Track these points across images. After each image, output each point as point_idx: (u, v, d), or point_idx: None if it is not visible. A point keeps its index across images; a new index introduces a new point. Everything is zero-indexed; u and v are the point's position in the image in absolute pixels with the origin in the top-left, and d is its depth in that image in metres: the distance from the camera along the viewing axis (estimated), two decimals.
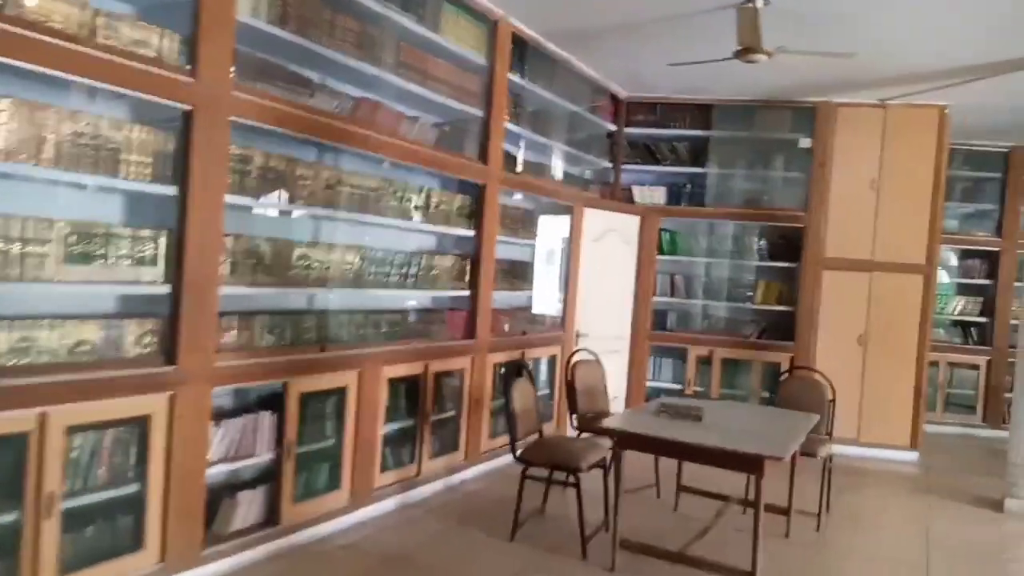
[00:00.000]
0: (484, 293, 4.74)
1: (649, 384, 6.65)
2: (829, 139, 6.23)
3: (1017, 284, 7.43)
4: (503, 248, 5.12)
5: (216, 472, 3.16)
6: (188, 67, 2.83)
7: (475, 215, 4.67)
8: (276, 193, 3.36)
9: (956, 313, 7.77)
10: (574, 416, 4.65)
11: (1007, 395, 7.50)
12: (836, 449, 5.52)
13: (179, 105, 2.81)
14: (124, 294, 2.86)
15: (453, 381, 4.56)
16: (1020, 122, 6.46)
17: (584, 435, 4.47)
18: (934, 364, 7.53)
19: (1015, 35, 4.55)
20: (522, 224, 5.42)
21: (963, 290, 7.81)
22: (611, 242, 6.27)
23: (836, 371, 6.06)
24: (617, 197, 6.61)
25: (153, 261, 2.85)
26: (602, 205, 6.21)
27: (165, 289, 2.87)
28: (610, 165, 6.60)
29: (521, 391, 3.90)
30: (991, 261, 7.62)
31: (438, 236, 4.68)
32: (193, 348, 2.90)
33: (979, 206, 7.69)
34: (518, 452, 3.77)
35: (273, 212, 3.50)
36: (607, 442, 3.84)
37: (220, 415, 3.19)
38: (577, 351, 5.07)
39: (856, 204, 6.22)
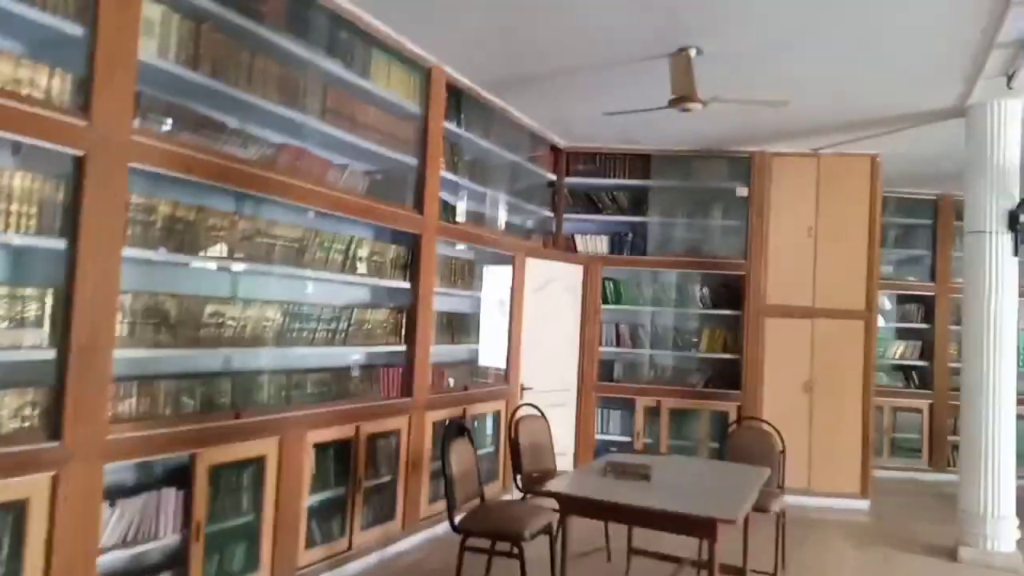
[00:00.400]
0: (421, 348, 4.50)
1: (597, 437, 6.44)
2: (765, 188, 6.29)
3: (953, 327, 7.58)
4: (444, 300, 4.92)
5: (111, 560, 2.79)
6: (81, 110, 2.59)
7: (411, 266, 4.47)
8: (184, 246, 3.10)
9: (897, 357, 7.85)
10: (519, 477, 4.41)
11: (951, 438, 7.58)
12: (788, 499, 5.38)
13: (69, 151, 2.55)
14: (2, 361, 2.53)
15: (388, 443, 4.27)
16: (946, 171, 6.66)
17: (530, 497, 4.21)
18: (879, 408, 7.56)
19: (937, 86, 4.68)
20: (464, 275, 5.24)
21: (902, 335, 7.93)
22: (554, 292, 6.13)
23: (783, 419, 5.98)
24: (559, 246, 6.51)
25: (37, 323, 2.54)
26: (544, 255, 6.09)
27: (50, 354, 2.55)
28: (551, 215, 6.51)
29: (460, 453, 3.64)
30: (927, 305, 7.77)
31: (371, 289, 4.45)
32: (82, 420, 2.58)
33: (912, 252, 7.88)
34: (456, 521, 3.49)
35: (182, 266, 3.22)
36: (553, 505, 3.59)
37: (117, 494, 2.84)
38: (521, 406, 4.85)
39: (795, 251, 6.26)
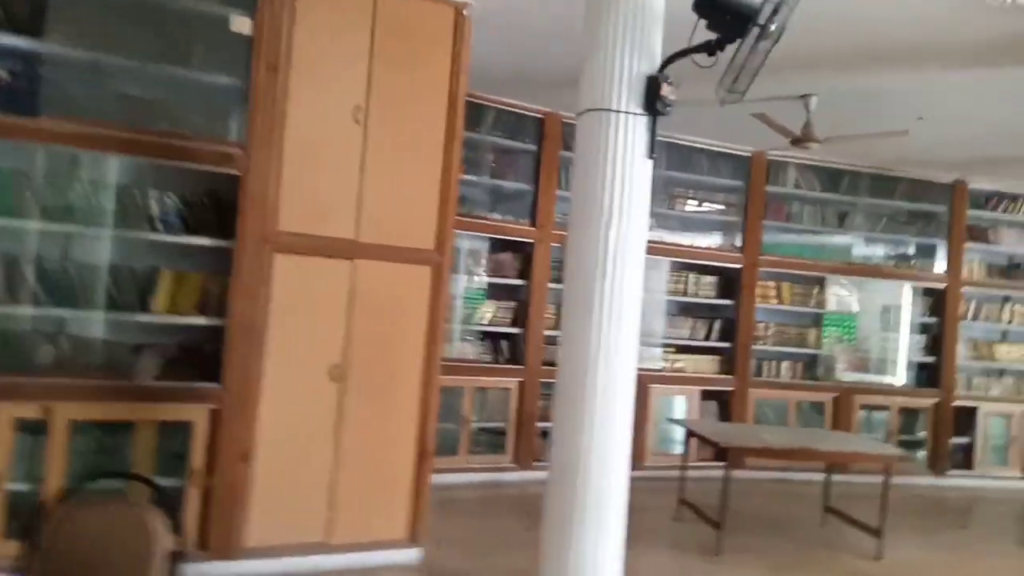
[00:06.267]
0: None
1: None
2: (284, 25, 3.54)
3: (552, 286, 5.91)
4: None
5: None
6: None
7: None
8: None
9: (487, 323, 5.99)
10: None
11: (540, 425, 6.00)
12: (290, 565, 2.85)
13: None
14: None
15: None
16: (560, 70, 4.79)
17: None
18: (457, 390, 5.59)
19: None
20: None
21: (496, 293, 6.10)
22: None
23: (296, 430, 3.48)
24: None
25: None
26: None
27: None
28: None
29: None
30: (525, 255, 6.02)
31: None
32: None
33: (511, 185, 6.04)
34: None
35: None
36: None
37: None
38: None
39: (331, 144, 3.67)
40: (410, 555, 3.82)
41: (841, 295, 7.16)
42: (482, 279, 6.00)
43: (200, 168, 3.49)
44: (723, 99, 2.74)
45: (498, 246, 6.01)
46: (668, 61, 2.76)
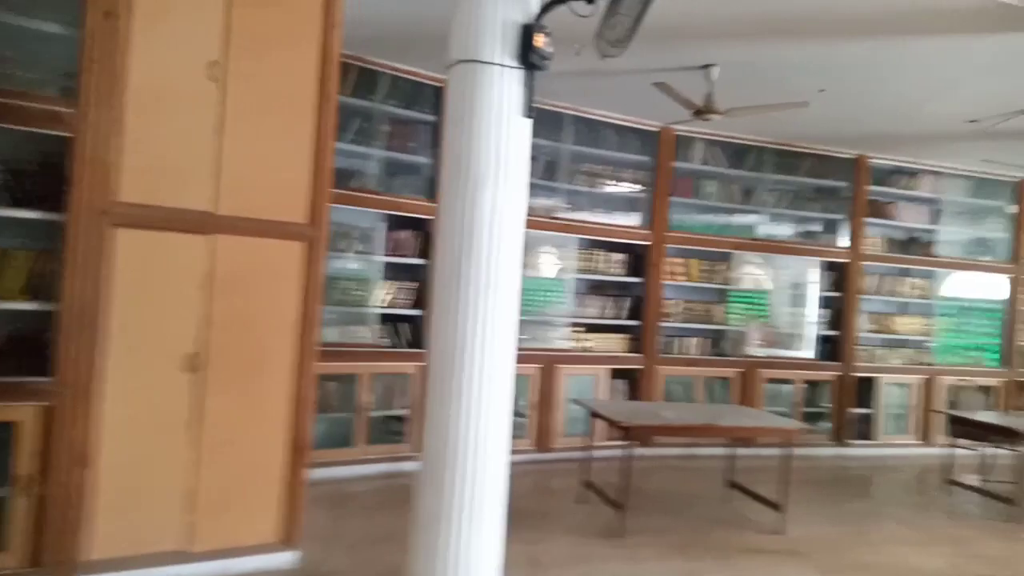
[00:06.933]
0: None
1: None
2: None
3: None
4: None
5: None
6: None
7: None
8: None
9: (385, 305, 5.65)
10: None
11: None
12: None
13: None
14: None
15: None
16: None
17: None
18: (347, 377, 5.26)
19: None
20: None
21: (395, 273, 5.76)
22: None
23: (146, 427, 3.07)
24: None
25: None
26: None
27: None
28: None
29: None
30: (426, 234, 5.70)
31: None
32: None
33: (407, 158, 5.70)
34: None
35: None
36: None
37: None
38: None
39: (182, 103, 3.25)
40: (284, 558, 3.49)
41: (754, 273, 7.17)
42: (379, 258, 5.65)
43: (26, 130, 3.02)
44: (603, 51, 2.49)
45: (396, 223, 5.66)
46: (544, 9, 2.49)
